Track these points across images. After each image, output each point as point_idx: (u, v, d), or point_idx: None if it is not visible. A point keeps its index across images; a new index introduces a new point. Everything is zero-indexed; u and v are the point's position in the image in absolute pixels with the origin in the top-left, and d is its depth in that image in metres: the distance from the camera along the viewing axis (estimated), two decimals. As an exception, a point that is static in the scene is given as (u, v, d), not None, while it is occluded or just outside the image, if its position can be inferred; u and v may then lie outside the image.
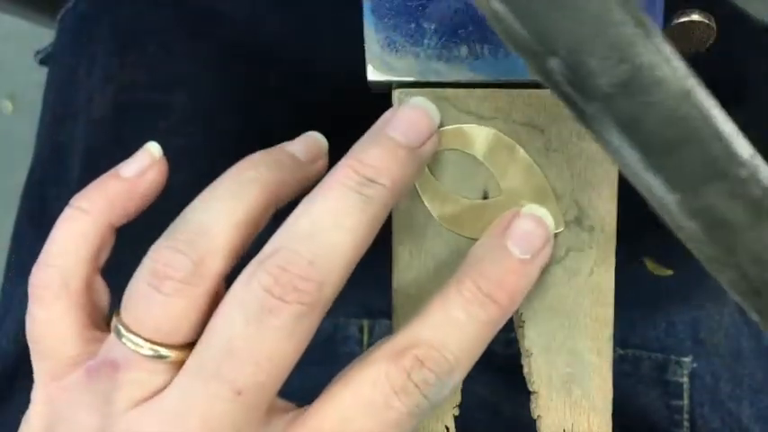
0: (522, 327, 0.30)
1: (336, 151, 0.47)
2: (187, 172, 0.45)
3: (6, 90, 1.11)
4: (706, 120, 0.20)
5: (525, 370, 0.30)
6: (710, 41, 0.29)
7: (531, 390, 0.30)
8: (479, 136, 0.30)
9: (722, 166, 0.20)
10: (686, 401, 0.44)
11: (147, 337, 0.25)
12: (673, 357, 0.44)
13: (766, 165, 0.20)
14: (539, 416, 0.30)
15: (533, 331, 0.30)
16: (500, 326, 0.27)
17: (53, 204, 0.46)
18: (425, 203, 0.30)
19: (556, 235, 0.30)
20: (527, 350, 0.30)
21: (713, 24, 0.28)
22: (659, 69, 0.19)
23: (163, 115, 0.46)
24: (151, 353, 0.25)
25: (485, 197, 0.30)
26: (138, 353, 0.25)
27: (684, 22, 0.28)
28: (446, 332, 0.26)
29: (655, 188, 0.21)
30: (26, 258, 0.47)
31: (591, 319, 0.30)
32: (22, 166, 0.50)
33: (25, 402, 0.43)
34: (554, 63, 0.20)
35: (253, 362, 0.24)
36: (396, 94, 0.30)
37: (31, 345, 0.28)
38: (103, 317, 0.30)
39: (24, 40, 0.82)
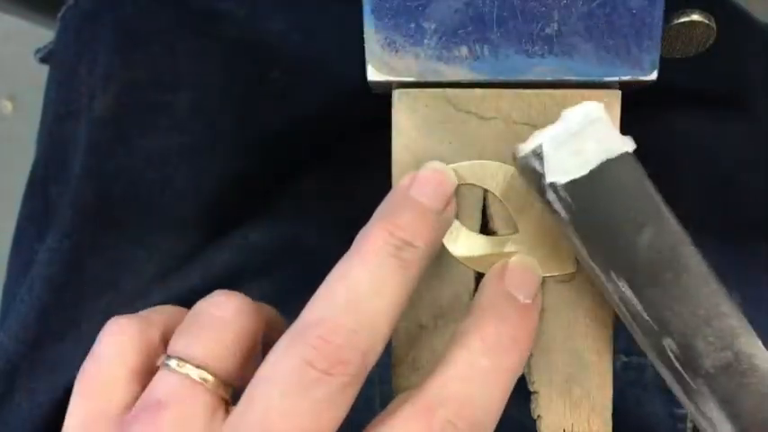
0: (521, 327, 0.30)
1: (334, 152, 0.47)
2: (188, 171, 0.46)
3: (6, 90, 1.11)
4: None
5: (525, 370, 0.30)
6: (710, 41, 0.29)
7: (531, 390, 0.30)
8: (498, 173, 0.30)
9: None
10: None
11: (196, 362, 0.26)
12: None
13: None
14: (539, 416, 0.30)
15: None
16: (518, 374, 0.27)
17: (55, 203, 0.47)
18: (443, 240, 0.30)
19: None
20: (527, 350, 0.30)
21: (713, 24, 0.28)
22: (756, 358, 0.24)
23: (165, 114, 0.46)
24: (197, 377, 0.26)
25: (488, 232, 0.30)
26: (187, 377, 0.26)
27: (684, 22, 0.28)
28: (473, 385, 0.25)
29: None
30: (28, 257, 0.47)
31: (591, 319, 0.30)
32: (21, 166, 0.50)
33: (26, 400, 0.43)
34: (668, 342, 0.25)
35: None
36: (396, 94, 0.30)
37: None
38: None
39: (24, 40, 0.82)
